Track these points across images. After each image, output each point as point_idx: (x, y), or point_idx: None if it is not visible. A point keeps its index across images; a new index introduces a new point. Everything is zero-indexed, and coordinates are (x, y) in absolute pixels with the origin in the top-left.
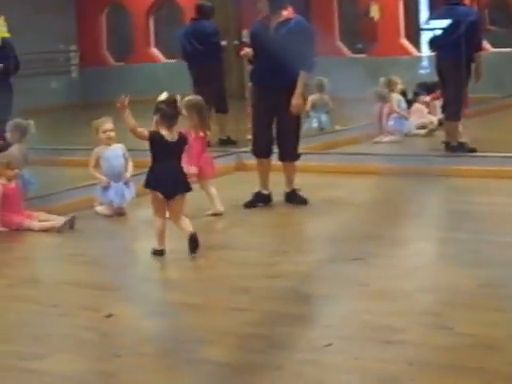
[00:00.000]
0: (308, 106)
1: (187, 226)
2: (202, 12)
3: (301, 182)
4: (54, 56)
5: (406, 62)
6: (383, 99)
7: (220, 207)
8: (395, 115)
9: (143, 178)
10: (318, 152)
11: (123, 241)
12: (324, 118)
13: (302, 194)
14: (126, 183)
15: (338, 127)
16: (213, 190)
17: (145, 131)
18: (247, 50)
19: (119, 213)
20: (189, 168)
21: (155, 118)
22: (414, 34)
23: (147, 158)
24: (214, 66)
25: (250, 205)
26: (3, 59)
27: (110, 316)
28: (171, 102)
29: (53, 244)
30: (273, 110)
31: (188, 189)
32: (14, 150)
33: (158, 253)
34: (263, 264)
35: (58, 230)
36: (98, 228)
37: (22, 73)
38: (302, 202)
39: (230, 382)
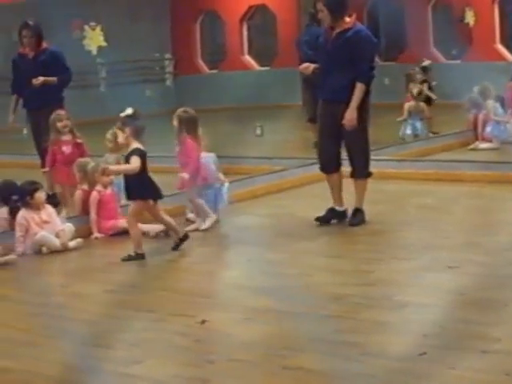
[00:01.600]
0: (404, 113)
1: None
2: (313, 18)
3: (395, 188)
4: (149, 64)
5: (501, 68)
6: (478, 107)
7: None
8: (493, 122)
9: (234, 185)
10: (413, 159)
11: (216, 247)
12: (419, 124)
13: (361, 216)
14: (217, 191)
15: (431, 135)
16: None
17: (136, 163)
18: (305, 65)
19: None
20: (183, 175)
21: (126, 132)
22: (509, 39)
23: (240, 165)
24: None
25: (322, 220)
26: (53, 72)
27: (203, 322)
28: (138, 116)
29: (148, 250)
30: (334, 123)
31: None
32: (109, 157)
33: (140, 256)
34: (358, 271)
35: (153, 236)
36: (191, 235)
37: (117, 81)
38: (353, 223)
39: None
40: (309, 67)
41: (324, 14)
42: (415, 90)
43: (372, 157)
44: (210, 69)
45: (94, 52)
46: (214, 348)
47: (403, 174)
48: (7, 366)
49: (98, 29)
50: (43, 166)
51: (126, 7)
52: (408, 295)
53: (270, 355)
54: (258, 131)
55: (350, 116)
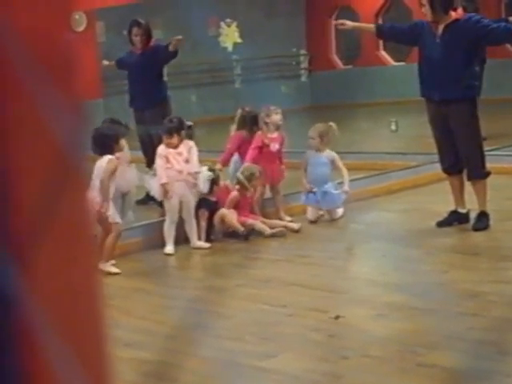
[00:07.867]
0: None
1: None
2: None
3: None
4: (285, 60)
5: None
6: None
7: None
8: None
9: (369, 180)
10: None
11: (350, 243)
12: None
13: (486, 220)
14: (332, 189)
15: None
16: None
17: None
18: None
19: (331, 218)
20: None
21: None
22: None
23: (375, 161)
24: None
25: (443, 224)
26: (158, 62)
27: (337, 317)
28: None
29: (277, 246)
30: (444, 123)
31: None
32: None
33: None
34: (494, 269)
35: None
36: (319, 231)
37: (252, 77)
38: (477, 228)
39: None
40: None
41: (426, 10)
42: None
43: None
44: (345, 64)
45: (230, 48)
46: (348, 343)
47: None
48: (145, 357)
49: (234, 25)
50: (148, 165)
51: (261, 3)
52: None
53: (404, 352)
54: (393, 126)
55: None
